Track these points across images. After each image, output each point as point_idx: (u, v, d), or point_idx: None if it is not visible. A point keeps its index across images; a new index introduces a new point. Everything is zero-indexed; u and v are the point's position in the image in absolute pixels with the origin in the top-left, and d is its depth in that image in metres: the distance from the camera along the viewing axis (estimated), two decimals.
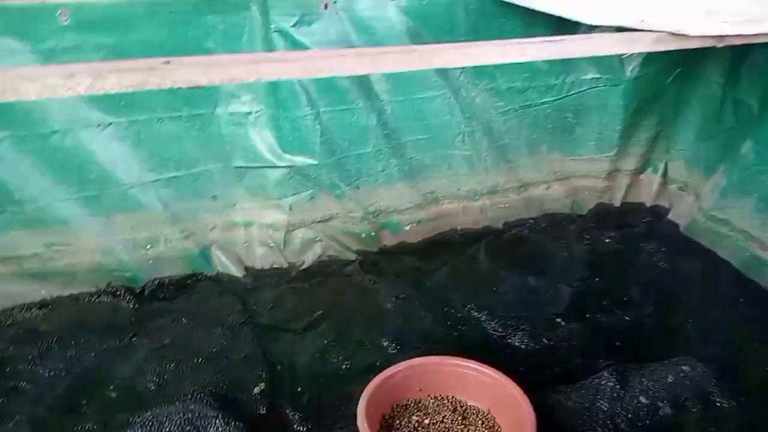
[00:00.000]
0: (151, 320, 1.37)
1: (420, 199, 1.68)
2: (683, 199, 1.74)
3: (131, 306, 1.42)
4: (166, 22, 1.26)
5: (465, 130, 1.63)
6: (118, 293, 1.44)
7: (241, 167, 1.49)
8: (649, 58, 1.55)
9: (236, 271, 1.54)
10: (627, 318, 1.43)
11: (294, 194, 1.54)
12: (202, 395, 1.14)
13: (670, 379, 1.18)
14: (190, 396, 1.13)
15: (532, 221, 1.79)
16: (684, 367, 1.22)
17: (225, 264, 1.54)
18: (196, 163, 1.44)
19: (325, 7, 1.34)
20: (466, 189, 1.72)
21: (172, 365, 1.23)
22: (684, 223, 1.72)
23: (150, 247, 1.46)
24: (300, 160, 1.49)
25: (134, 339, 1.31)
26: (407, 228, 1.70)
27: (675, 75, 1.65)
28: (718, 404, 1.14)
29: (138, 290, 1.46)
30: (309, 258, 1.61)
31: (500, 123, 1.66)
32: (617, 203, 1.84)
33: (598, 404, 1.13)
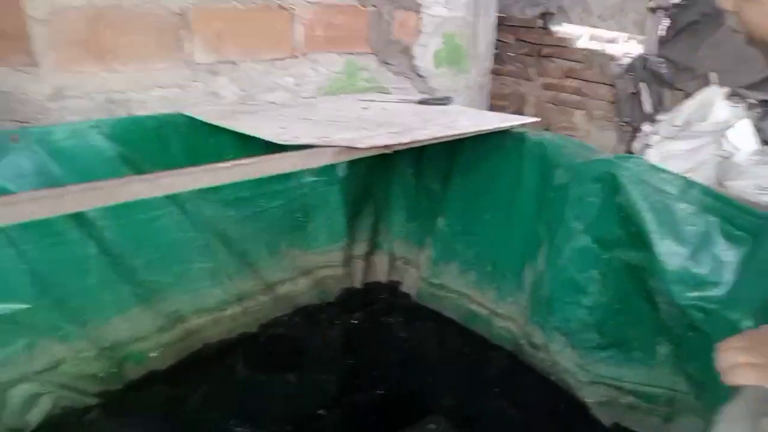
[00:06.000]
0: None
1: (162, 321, 1.59)
2: (408, 272, 2.00)
3: None
4: None
5: (200, 243, 1.63)
6: None
7: None
8: (355, 160, 1.79)
9: None
10: (379, 392, 1.55)
11: (2, 347, 1.33)
12: None
13: None
14: None
15: (286, 318, 1.84)
16: (431, 426, 1.39)
17: None
18: None
19: (14, 140, 1.24)
20: (213, 301, 1.69)
21: None
22: (413, 292, 1.96)
23: None
24: (6, 307, 1.30)
25: None
26: (153, 355, 1.58)
27: (379, 171, 1.93)
28: None
29: None
30: (35, 417, 1.38)
31: (236, 231, 1.70)
32: (358, 285, 2.01)
33: None
